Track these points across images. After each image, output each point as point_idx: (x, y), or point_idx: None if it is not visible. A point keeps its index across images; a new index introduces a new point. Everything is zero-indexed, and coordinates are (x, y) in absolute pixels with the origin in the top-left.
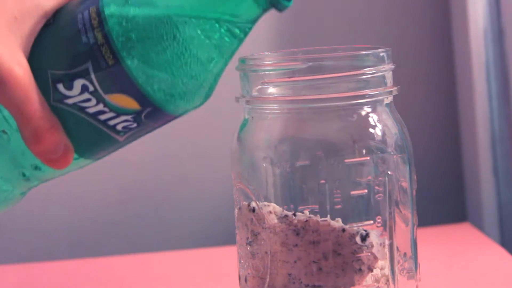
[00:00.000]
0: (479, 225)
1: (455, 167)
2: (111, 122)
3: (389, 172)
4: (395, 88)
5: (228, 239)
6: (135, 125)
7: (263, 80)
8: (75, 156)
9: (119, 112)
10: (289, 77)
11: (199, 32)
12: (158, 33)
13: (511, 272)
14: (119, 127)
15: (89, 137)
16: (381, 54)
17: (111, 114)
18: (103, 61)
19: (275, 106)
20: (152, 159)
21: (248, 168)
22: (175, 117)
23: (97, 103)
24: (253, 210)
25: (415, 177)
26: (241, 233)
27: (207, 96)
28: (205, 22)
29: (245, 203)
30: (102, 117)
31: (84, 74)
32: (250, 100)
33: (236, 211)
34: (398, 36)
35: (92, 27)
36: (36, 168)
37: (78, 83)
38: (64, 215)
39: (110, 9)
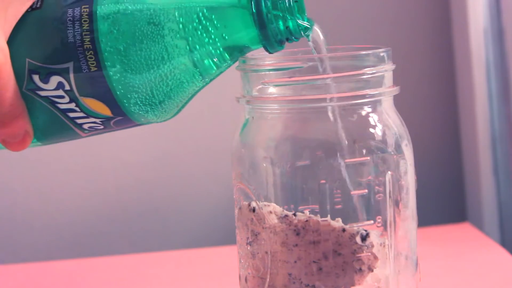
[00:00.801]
0: (479, 225)
1: (455, 167)
2: (79, 121)
3: (389, 172)
4: (395, 88)
5: (228, 239)
6: (101, 127)
7: (264, 80)
8: (34, 141)
9: (89, 114)
10: (289, 77)
11: (187, 58)
12: (148, 50)
13: (511, 272)
14: (85, 126)
15: (53, 128)
16: (381, 54)
17: (81, 114)
18: (86, 66)
19: (275, 106)
20: (152, 159)
21: (248, 168)
22: (140, 125)
23: (70, 102)
24: (253, 210)
25: (415, 177)
26: (241, 233)
27: (176, 114)
28: (198, 50)
29: (245, 203)
30: (72, 114)
31: (63, 73)
32: (250, 100)
33: (236, 211)
34: (398, 36)
35: (81, 28)
36: None
37: (55, 79)
38: (64, 215)
39: (104, 13)
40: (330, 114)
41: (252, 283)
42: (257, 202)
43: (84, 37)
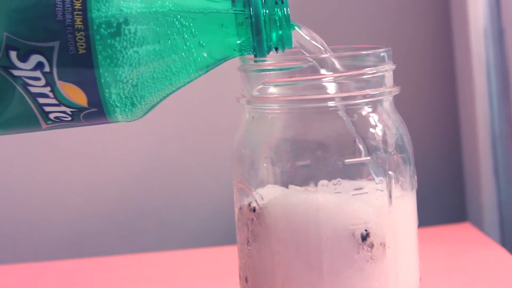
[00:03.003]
0: (479, 225)
1: (455, 167)
2: (47, 109)
3: (389, 172)
4: (396, 88)
5: (228, 239)
6: (68, 119)
7: (264, 80)
8: None
9: (62, 102)
10: (290, 77)
11: (181, 56)
12: (142, 40)
13: (511, 272)
14: (52, 116)
15: (14, 114)
16: (382, 54)
17: (52, 101)
18: (73, 47)
19: (275, 106)
20: (152, 159)
21: (248, 168)
22: (106, 123)
23: (45, 85)
24: (254, 210)
25: (415, 177)
26: (241, 233)
27: (145, 114)
28: (189, 51)
29: (246, 203)
30: (42, 100)
31: (46, 52)
32: (250, 100)
33: (236, 211)
34: (398, 36)
35: (72, 7)
36: None
37: (35, 58)
38: (64, 215)
39: None
40: (340, 113)
41: (253, 283)
42: (258, 202)
43: (76, 16)
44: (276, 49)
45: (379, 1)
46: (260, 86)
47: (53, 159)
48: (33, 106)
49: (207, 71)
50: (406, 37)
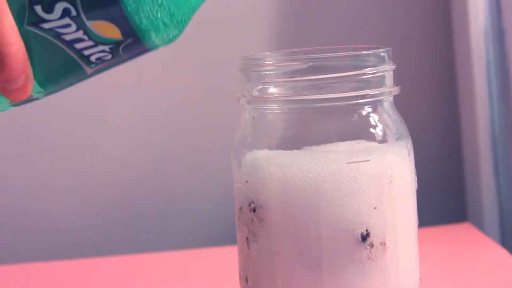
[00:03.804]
0: (479, 225)
1: (456, 167)
2: (87, 52)
3: (389, 172)
4: (396, 88)
5: (228, 239)
6: (109, 56)
7: (264, 80)
8: (36, 88)
9: (98, 41)
10: (290, 77)
11: None
12: None
13: (511, 272)
14: (93, 58)
15: (57, 67)
16: (382, 54)
17: (89, 43)
18: None
19: (275, 106)
20: (153, 159)
21: (249, 168)
22: (147, 51)
23: (77, 30)
24: (254, 210)
25: (415, 177)
26: (241, 233)
27: (181, 31)
28: None
29: (246, 202)
30: (79, 45)
31: None
32: (251, 100)
33: (236, 211)
34: (399, 36)
35: None
36: None
37: (60, 6)
38: (64, 215)
39: None
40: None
41: (253, 283)
42: (258, 202)
43: None
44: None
45: (379, 1)
46: (260, 86)
47: (53, 159)
48: (72, 54)
49: None
50: (406, 37)
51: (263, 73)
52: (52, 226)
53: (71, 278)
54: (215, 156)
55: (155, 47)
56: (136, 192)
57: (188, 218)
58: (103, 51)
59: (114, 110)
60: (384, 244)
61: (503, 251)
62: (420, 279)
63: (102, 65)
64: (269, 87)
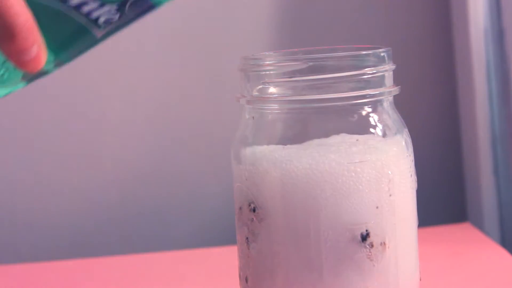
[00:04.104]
0: (479, 225)
1: (456, 167)
2: (94, 14)
3: (389, 172)
4: (396, 88)
5: (228, 239)
6: (117, 16)
7: (264, 80)
8: (49, 58)
9: (104, 1)
10: (290, 77)
11: None
12: None
13: (511, 272)
14: (101, 21)
15: (66, 33)
16: (382, 54)
17: (94, 5)
18: None
19: (275, 106)
20: (153, 159)
21: (248, 168)
22: (153, 7)
23: None
24: (254, 210)
25: (415, 177)
26: (241, 233)
27: None
28: None
29: (246, 202)
30: (86, 8)
31: None
32: (250, 100)
33: (236, 211)
34: (399, 36)
35: None
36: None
37: None
38: (64, 215)
39: None
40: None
41: (253, 283)
42: (258, 202)
43: None
44: None
45: (379, 1)
46: (260, 86)
47: (53, 159)
48: (80, 19)
49: None
50: (406, 37)
51: (263, 73)
52: (52, 226)
53: (71, 278)
54: (215, 156)
55: (159, 2)
56: (136, 192)
57: (188, 218)
58: (110, 11)
59: (114, 110)
60: (384, 244)
61: (503, 251)
62: (420, 279)
63: (111, 27)
64: (269, 87)
